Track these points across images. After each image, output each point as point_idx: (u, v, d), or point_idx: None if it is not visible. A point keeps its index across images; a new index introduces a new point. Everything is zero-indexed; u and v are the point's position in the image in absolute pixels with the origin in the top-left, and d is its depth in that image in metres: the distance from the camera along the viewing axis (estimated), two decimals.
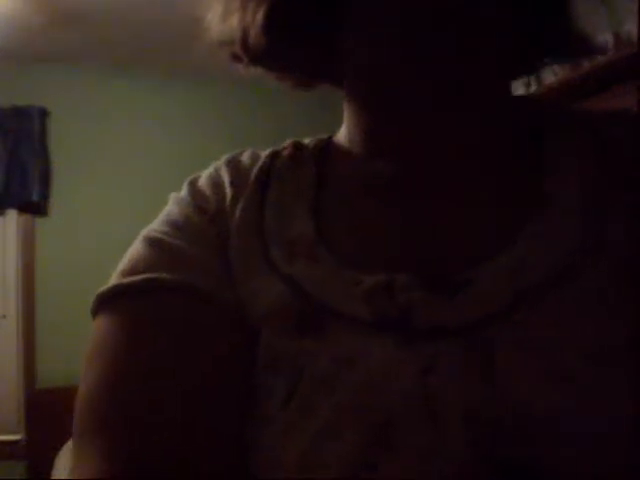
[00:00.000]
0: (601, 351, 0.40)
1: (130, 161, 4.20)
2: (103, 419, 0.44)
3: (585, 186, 0.47)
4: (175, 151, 4.26)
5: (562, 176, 0.48)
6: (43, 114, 3.97)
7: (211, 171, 0.56)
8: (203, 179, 0.55)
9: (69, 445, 3.57)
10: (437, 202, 0.49)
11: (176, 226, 0.51)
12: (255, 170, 0.55)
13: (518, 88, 2.03)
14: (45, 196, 3.95)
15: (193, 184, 0.55)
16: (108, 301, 0.49)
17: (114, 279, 0.50)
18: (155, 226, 0.52)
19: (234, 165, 0.56)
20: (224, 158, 0.57)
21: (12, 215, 4.01)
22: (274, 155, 0.56)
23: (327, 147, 0.57)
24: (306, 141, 0.58)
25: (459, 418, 0.40)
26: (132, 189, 4.18)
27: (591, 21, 0.58)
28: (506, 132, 0.51)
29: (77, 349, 4.40)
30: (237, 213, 0.52)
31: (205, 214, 0.52)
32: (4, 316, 4.02)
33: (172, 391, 0.45)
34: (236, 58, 0.54)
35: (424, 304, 0.44)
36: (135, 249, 0.51)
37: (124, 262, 0.51)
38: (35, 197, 3.90)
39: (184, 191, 0.55)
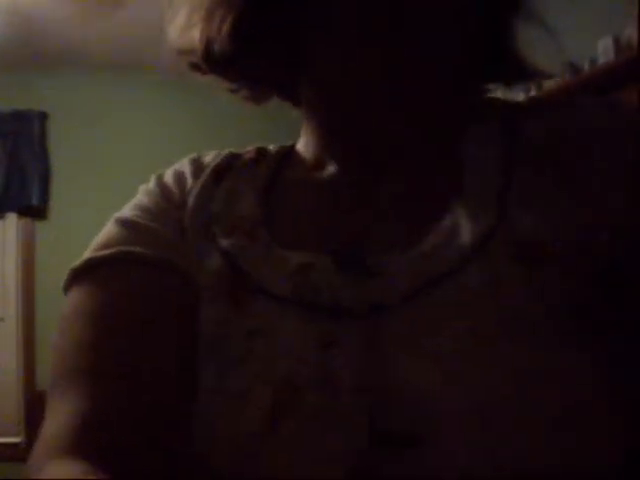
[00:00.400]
0: (477, 335, 0.44)
1: (130, 164, 4.20)
2: (73, 377, 0.49)
3: (493, 176, 0.50)
4: (175, 154, 4.24)
5: (476, 169, 0.51)
6: (43, 118, 3.98)
7: (175, 167, 0.61)
8: (168, 173, 0.61)
9: None
10: (370, 198, 0.53)
11: (146, 210, 0.57)
12: (212, 164, 0.60)
13: (518, 94, 2.03)
14: (45, 200, 3.96)
15: (160, 178, 0.61)
16: (82, 274, 0.54)
17: (86, 254, 0.54)
18: (126, 210, 0.58)
19: (196, 161, 0.61)
20: (189, 156, 0.62)
21: (12, 219, 4.02)
22: (235, 155, 0.61)
23: (288, 153, 0.60)
24: (270, 147, 0.62)
25: (350, 390, 0.44)
26: (132, 193, 4.16)
27: (543, 47, 0.60)
28: (446, 136, 0.54)
29: None
30: (191, 199, 0.57)
31: (170, 202, 0.57)
32: (4, 319, 4.02)
33: (139, 353, 0.50)
34: (195, 67, 0.56)
35: (332, 285, 0.48)
36: (107, 229, 0.56)
37: (96, 241, 0.56)
38: (35, 201, 3.91)
39: (152, 183, 0.60)
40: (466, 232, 0.47)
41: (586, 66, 2.78)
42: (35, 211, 3.95)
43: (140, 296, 0.52)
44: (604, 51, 2.72)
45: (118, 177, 4.17)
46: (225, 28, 0.51)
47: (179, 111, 4.32)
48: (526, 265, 0.46)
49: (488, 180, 0.50)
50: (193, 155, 0.62)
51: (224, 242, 0.53)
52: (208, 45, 0.53)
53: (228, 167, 0.59)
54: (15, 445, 3.86)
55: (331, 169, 0.56)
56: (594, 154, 0.48)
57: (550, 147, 0.50)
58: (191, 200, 0.57)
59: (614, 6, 2.78)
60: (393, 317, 0.46)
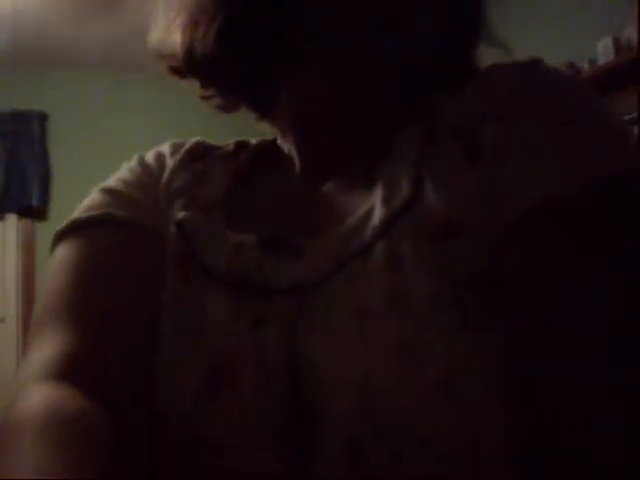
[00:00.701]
0: (368, 311, 0.47)
1: None
2: (56, 316, 0.53)
3: (408, 162, 0.52)
4: None
5: (395, 157, 0.54)
6: (43, 118, 3.98)
7: (156, 148, 0.65)
8: (149, 153, 0.65)
9: None
10: (311, 192, 0.58)
11: (128, 182, 0.61)
12: (188, 147, 0.64)
13: None
14: (45, 201, 3.96)
15: (141, 157, 0.65)
16: (67, 233, 0.58)
17: (71, 217, 0.59)
18: (109, 181, 0.62)
19: (176, 144, 0.65)
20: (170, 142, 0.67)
21: (12, 219, 4.02)
22: (213, 146, 0.65)
23: (266, 147, 0.64)
24: (252, 141, 0.66)
25: (277, 364, 0.49)
26: None
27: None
28: (387, 135, 0.57)
29: None
30: (165, 174, 0.61)
31: (150, 177, 0.61)
32: (4, 320, 4.03)
33: (117, 298, 0.54)
34: (174, 71, 0.59)
35: (260, 265, 0.53)
36: (92, 196, 0.61)
37: (81, 206, 0.60)
38: (35, 202, 3.91)
39: (134, 161, 0.64)
40: (377, 215, 0.50)
41: (586, 66, 2.78)
42: (35, 212, 3.96)
43: (120, 252, 0.57)
44: (604, 51, 2.73)
45: None
46: (211, 32, 0.54)
47: (180, 112, 4.33)
48: (430, 244, 0.48)
49: (403, 166, 0.52)
50: (175, 140, 0.66)
51: (180, 214, 0.57)
52: (190, 49, 0.55)
53: (203, 153, 0.64)
54: None
55: (291, 165, 0.60)
56: (495, 130, 0.49)
57: (461, 128, 0.51)
58: (165, 175, 0.61)
59: (614, 7, 2.79)
60: (310, 296, 0.50)
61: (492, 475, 0.45)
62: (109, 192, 0.60)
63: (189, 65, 0.56)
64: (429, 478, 0.45)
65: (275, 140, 0.64)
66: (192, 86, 0.60)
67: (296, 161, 0.60)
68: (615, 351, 0.43)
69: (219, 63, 0.55)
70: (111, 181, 0.62)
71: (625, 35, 2.66)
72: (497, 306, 0.46)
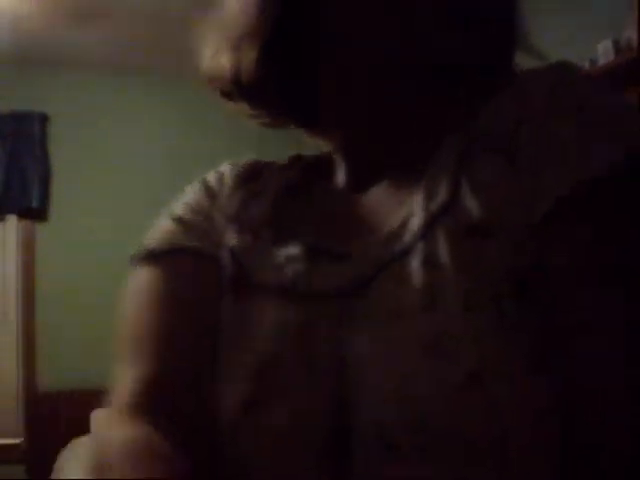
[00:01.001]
0: (405, 309, 0.50)
1: (130, 166, 4.21)
2: (136, 346, 0.60)
3: (448, 167, 0.55)
4: (175, 156, 4.27)
5: (437, 163, 0.56)
6: (43, 119, 3.98)
7: (218, 169, 0.69)
8: (211, 176, 0.68)
9: (69, 447, 3.57)
10: (357, 202, 0.61)
11: (193, 209, 0.65)
12: (242, 168, 0.68)
13: None
14: (45, 202, 3.96)
15: (204, 180, 0.68)
16: (144, 260, 0.64)
17: (147, 244, 0.65)
18: (176, 207, 0.67)
19: (235, 165, 0.69)
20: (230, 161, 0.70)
21: (12, 220, 4.03)
22: (268, 163, 0.69)
23: (320, 161, 0.67)
24: (308, 156, 0.69)
25: (322, 362, 0.52)
26: (132, 194, 4.18)
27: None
28: (429, 143, 0.59)
29: (77, 353, 4.38)
30: (222, 199, 0.65)
31: (212, 199, 0.66)
32: (4, 321, 4.03)
33: (186, 328, 0.60)
34: (225, 94, 0.62)
35: (306, 274, 0.56)
36: (162, 224, 0.66)
37: (152, 232, 0.66)
38: (35, 203, 3.91)
39: (197, 185, 0.68)
40: (417, 220, 0.53)
41: (586, 67, 2.78)
42: (35, 213, 3.96)
43: (190, 282, 0.62)
44: (604, 53, 2.73)
45: (118, 179, 4.18)
46: (252, 56, 0.57)
47: (179, 114, 4.33)
48: (466, 244, 0.50)
49: (442, 171, 0.54)
50: (234, 160, 0.70)
51: (232, 241, 0.62)
52: (236, 73, 0.58)
53: (259, 171, 0.68)
54: (15, 446, 3.86)
55: (339, 178, 0.64)
56: (531, 133, 0.51)
57: (500, 133, 0.53)
58: (222, 200, 0.65)
59: (614, 8, 2.79)
60: (354, 300, 0.53)
61: (520, 470, 0.46)
62: (179, 221, 0.64)
63: (235, 89, 0.60)
64: (462, 474, 0.47)
65: (328, 153, 0.67)
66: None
67: (342, 170, 0.64)
68: None
69: (262, 86, 0.59)
70: (179, 208, 0.66)
71: (625, 37, 2.67)
72: (532, 305, 0.48)
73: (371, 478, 0.49)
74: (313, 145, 0.67)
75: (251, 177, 0.67)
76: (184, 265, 0.62)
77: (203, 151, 4.31)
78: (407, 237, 0.53)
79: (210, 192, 0.66)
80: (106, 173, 4.15)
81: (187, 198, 0.67)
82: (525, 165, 0.51)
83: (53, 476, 3.41)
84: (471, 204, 0.51)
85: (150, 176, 4.22)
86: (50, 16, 3.30)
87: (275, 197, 0.64)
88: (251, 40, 0.57)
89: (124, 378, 0.59)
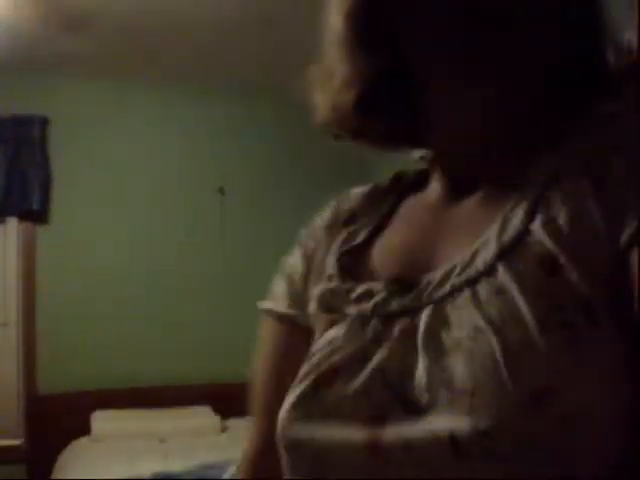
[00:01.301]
0: (473, 330, 0.53)
1: (130, 169, 4.21)
2: (258, 402, 0.72)
3: (532, 191, 0.58)
4: (175, 159, 4.27)
5: (521, 186, 0.59)
6: (43, 122, 3.99)
7: (318, 215, 0.78)
8: (304, 232, 0.77)
9: (69, 448, 3.58)
10: (441, 224, 0.66)
11: (297, 272, 0.74)
12: (337, 209, 0.76)
13: None
14: (45, 204, 3.97)
15: (299, 242, 0.77)
16: (266, 314, 0.75)
17: (267, 304, 0.75)
18: (286, 267, 0.76)
19: (347, 194, 0.76)
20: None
21: (12, 223, 4.03)
22: (369, 191, 0.76)
23: (420, 178, 0.73)
24: (408, 174, 0.75)
25: (381, 375, 0.57)
26: (132, 197, 4.19)
27: None
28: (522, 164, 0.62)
29: (76, 356, 4.37)
30: (317, 262, 0.73)
31: (309, 261, 0.74)
32: (5, 323, 4.04)
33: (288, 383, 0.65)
34: (338, 137, 0.70)
35: (384, 303, 0.61)
36: (278, 285, 0.76)
37: (274, 284, 0.76)
38: (35, 205, 3.92)
39: (302, 235, 0.77)
40: (490, 249, 0.57)
41: None
42: (36, 215, 3.97)
43: (298, 349, 0.68)
44: None
45: (118, 182, 4.19)
46: (350, 102, 0.65)
47: (179, 117, 4.34)
48: (537, 275, 0.53)
49: (523, 199, 0.57)
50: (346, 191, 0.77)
51: (315, 290, 0.69)
52: (339, 117, 0.67)
53: (352, 214, 0.74)
54: (15, 448, 3.88)
55: (435, 190, 0.69)
56: (621, 169, 0.53)
57: (590, 162, 0.55)
58: (316, 262, 0.74)
59: (614, 10, 2.79)
60: (422, 317, 0.57)
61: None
62: (284, 278, 0.75)
63: (344, 131, 0.69)
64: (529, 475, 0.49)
65: (426, 169, 0.72)
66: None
67: (438, 182, 0.68)
68: None
69: (363, 126, 0.67)
70: (287, 268, 0.76)
71: (625, 39, 2.67)
72: (605, 327, 0.50)
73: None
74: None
75: (348, 218, 0.74)
76: (291, 336, 0.72)
77: (204, 155, 4.33)
78: (478, 267, 0.56)
79: (306, 255, 0.74)
80: (106, 176, 4.15)
81: (291, 259, 0.76)
82: (614, 194, 0.52)
83: (53, 477, 3.42)
84: (542, 236, 0.54)
85: (150, 179, 4.23)
86: (50, 21, 3.32)
87: (368, 231, 0.71)
88: (348, 86, 0.65)
89: (251, 428, 0.73)
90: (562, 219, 0.54)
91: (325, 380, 0.59)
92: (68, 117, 4.07)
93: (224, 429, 3.86)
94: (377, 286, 0.63)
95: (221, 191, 4.29)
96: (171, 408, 3.93)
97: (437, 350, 0.54)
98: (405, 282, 0.61)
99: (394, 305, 0.60)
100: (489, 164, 0.63)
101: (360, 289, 0.64)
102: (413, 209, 0.70)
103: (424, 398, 0.53)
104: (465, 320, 0.54)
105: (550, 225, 0.54)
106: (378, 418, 0.55)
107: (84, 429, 3.67)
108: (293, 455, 0.60)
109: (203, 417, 3.91)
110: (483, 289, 0.54)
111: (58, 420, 3.81)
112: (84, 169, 4.12)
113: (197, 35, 3.60)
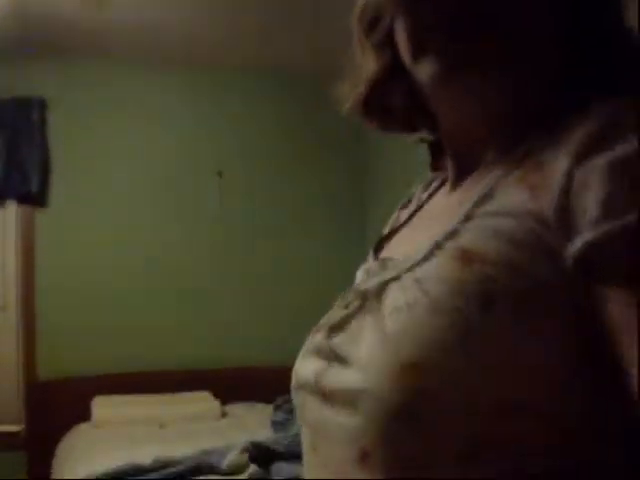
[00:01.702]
0: (403, 314, 0.58)
1: (129, 152, 4.19)
2: None
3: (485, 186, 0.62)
4: (174, 142, 4.25)
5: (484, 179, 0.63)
6: (42, 105, 3.96)
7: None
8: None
9: (70, 434, 3.57)
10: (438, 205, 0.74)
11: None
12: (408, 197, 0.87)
13: None
14: (44, 187, 3.95)
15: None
16: None
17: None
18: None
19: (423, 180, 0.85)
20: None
21: (12, 206, 4.01)
22: (437, 173, 0.82)
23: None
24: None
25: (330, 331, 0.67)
26: (131, 180, 4.17)
27: None
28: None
29: (77, 340, 4.36)
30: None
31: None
32: (4, 308, 4.02)
33: None
34: (363, 120, 0.78)
35: (362, 282, 0.70)
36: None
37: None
38: (34, 188, 3.90)
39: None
40: (440, 235, 0.61)
41: None
42: (35, 199, 3.94)
43: None
44: None
45: (118, 165, 4.16)
46: (361, 97, 0.74)
47: (179, 100, 4.31)
48: (456, 265, 0.57)
49: (486, 184, 0.61)
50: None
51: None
52: (360, 105, 0.75)
53: (417, 192, 0.85)
54: (15, 434, 3.87)
55: (441, 191, 0.77)
56: (577, 170, 0.53)
57: (569, 156, 0.54)
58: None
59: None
60: (379, 299, 0.62)
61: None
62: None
63: (364, 117, 0.77)
64: None
65: None
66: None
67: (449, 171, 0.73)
68: None
69: (381, 114, 0.76)
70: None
71: None
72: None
73: None
74: None
75: (403, 206, 0.86)
76: None
77: (203, 138, 4.30)
78: (419, 256, 0.61)
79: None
80: (105, 158, 4.13)
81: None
82: (578, 193, 0.52)
83: (54, 463, 3.42)
84: (468, 232, 0.58)
85: (150, 162, 4.21)
86: (50, 1, 3.28)
87: (404, 220, 0.80)
88: (366, 82, 0.74)
89: None
90: (499, 212, 0.57)
91: (314, 333, 0.70)
92: (67, 100, 4.04)
93: (224, 414, 3.86)
94: (373, 266, 0.73)
95: (219, 174, 4.29)
96: (171, 394, 3.92)
97: (368, 326, 0.61)
98: (384, 264, 0.69)
99: (367, 284, 0.66)
100: (494, 146, 0.65)
101: (371, 268, 0.74)
102: (437, 194, 0.77)
103: (349, 355, 0.61)
104: (390, 302, 0.60)
105: (483, 217, 0.58)
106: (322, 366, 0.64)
107: (84, 415, 3.66)
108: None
109: (203, 402, 3.90)
110: (409, 278, 0.60)
111: (58, 406, 3.80)
112: (83, 152, 4.09)
113: (196, 17, 3.57)
